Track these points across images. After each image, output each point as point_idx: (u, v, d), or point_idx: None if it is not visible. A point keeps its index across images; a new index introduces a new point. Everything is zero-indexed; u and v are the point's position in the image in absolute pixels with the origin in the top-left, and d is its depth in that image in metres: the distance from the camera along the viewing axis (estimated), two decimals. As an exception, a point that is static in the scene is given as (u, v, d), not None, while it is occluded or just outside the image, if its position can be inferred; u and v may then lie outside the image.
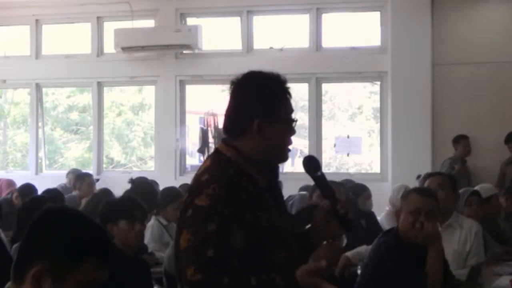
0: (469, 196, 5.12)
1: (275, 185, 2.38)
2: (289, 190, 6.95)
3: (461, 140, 8.80)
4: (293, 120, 2.33)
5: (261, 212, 2.21)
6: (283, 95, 2.31)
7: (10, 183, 8.58)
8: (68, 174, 8.94)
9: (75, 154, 12.05)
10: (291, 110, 2.33)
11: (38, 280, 1.66)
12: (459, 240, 4.23)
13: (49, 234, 1.71)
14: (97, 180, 8.08)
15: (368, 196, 6.66)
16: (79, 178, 7.93)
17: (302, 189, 7.30)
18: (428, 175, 4.69)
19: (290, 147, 2.34)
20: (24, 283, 1.68)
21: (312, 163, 2.44)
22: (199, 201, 2.13)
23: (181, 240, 2.14)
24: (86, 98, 11.98)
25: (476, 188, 5.60)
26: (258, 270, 2.11)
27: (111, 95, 11.59)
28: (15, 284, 1.72)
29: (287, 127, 2.31)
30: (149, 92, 11.14)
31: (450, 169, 8.40)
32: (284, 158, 2.35)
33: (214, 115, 9.90)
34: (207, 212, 2.11)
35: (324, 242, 2.37)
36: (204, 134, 9.82)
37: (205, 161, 2.34)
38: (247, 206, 2.16)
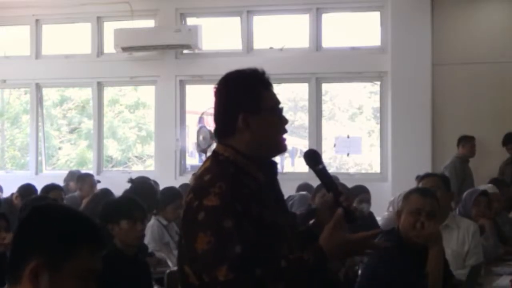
0: (478, 195, 5.13)
1: (275, 182, 2.38)
2: (289, 190, 6.91)
3: (467, 140, 8.76)
4: (278, 109, 2.32)
5: (264, 209, 2.21)
6: (263, 87, 2.32)
7: None
8: (67, 177, 8.81)
9: (71, 154, 12.01)
10: (274, 100, 2.33)
11: (35, 276, 1.67)
12: (457, 240, 4.23)
13: (39, 229, 1.72)
14: (98, 181, 8.01)
15: (364, 199, 6.22)
16: (81, 178, 7.91)
17: (300, 187, 7.27)
18: (422, 177, 4.68)
19: (285, 136, 2.34)
20: (21, 283, 1.69)
21: (313, 157, 2.45)
22: (208, 202, 2.12)
23: (197, 244, 2.10)
24: (79, 93, 11.94)
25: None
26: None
27: (107, 93, 11.53)
28: (11, 286, 1.72)
29: (273, 117, 2.30)
30: (144, 90, 11.11)
31: (458, 167, 8.43)
32: (280, 149, 2.33)
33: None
34: (220, 210, 2.10)
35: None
36: (206, 134, 9.82)
37: (204, 162, 2.34)
38: (252, 203, 2.17)
